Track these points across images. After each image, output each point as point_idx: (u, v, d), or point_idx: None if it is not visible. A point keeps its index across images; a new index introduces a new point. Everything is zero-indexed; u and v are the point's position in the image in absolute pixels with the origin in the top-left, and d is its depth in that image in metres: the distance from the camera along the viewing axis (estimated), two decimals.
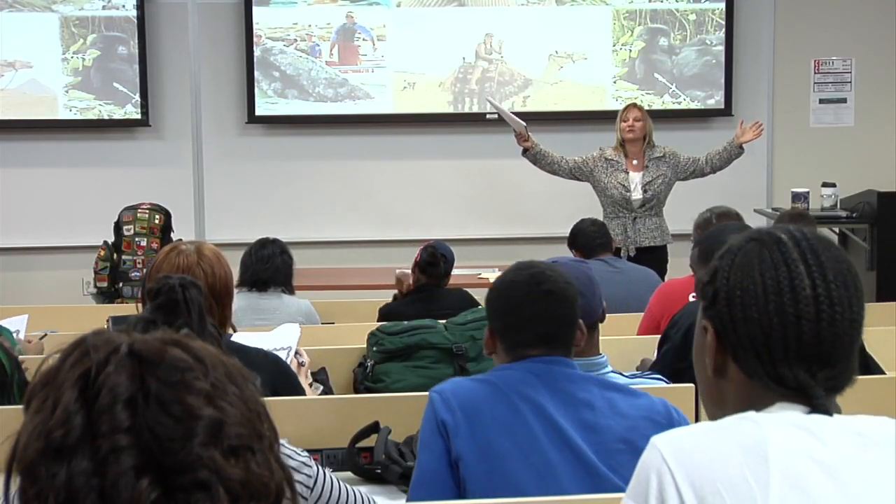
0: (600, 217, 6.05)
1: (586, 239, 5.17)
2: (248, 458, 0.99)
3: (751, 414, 1.36)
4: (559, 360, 2.30)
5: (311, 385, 3.53)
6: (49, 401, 0.98)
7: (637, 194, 6.20)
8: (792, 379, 1.39)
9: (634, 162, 6.24)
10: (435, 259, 4.71)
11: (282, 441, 1.99)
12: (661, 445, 1.34)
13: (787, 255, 1.42)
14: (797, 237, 1.44)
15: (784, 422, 1.35)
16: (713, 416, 1.47)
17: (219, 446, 0.97)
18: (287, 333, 3.61)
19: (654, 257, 6.06)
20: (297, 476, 1.98)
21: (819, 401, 1.38)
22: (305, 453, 2.04)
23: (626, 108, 6.32)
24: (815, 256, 1.41)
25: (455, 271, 4.99)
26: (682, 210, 7.40)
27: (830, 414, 1.38)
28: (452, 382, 2.35)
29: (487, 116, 7.55)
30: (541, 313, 2.30)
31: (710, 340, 1.45)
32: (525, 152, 6.40)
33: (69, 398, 0.97)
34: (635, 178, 6.22)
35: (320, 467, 2.05)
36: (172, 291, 2.26)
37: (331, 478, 2.05)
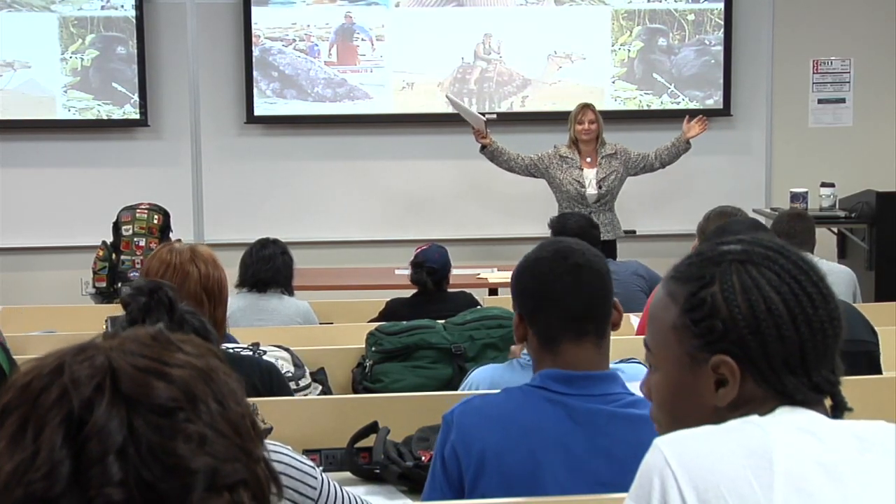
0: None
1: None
2: (242, 491, 0.95)
3: (754, 418, 1.36)
4: (584, 380, 2.15)
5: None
6: (28, 435, 0.91)
7: (592, 190, 6.46)
8: (825, 384, 1.39)
9: (588, 159, 6.51)
10: (421, 281, 4.71)
11: (286, 449, 2.00)
12: (665, 448, 1.33)
13: (784, 267, 1.41)
14: (773, 247, 1.44)
15: (787, 425, 1.35)
16: None
17: (215, 492, 0.93)
18: None
19: (605, 251, 6.10)
20: (301, 487, 1.98)
21: (840, 396, 1.39)
22: (310, 462, 2.03)
23: (581, 109, 6.52)
24: (800, 259, 1.42)
25: (455, 271, 4.99)
26: (682, 210, 7.42)
27: (850, 408, 1.39)
28: (470, 421, 2.15)
29: (486, 117, 7.54)
30: (571, 288, 2.16)
31: (732, 374, 1.39)
32: (483, 149, 6.62)
33: (53, 443, 0.90)
34: (589, 175, 6.48)
35: (325, 476, 2.04)
36: (139, 296, 2.21)
37: (335, 486, 2.05)
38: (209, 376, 0.98)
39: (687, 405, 1.43)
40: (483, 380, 2.79)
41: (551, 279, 2.18)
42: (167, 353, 0.98)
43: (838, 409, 1.41)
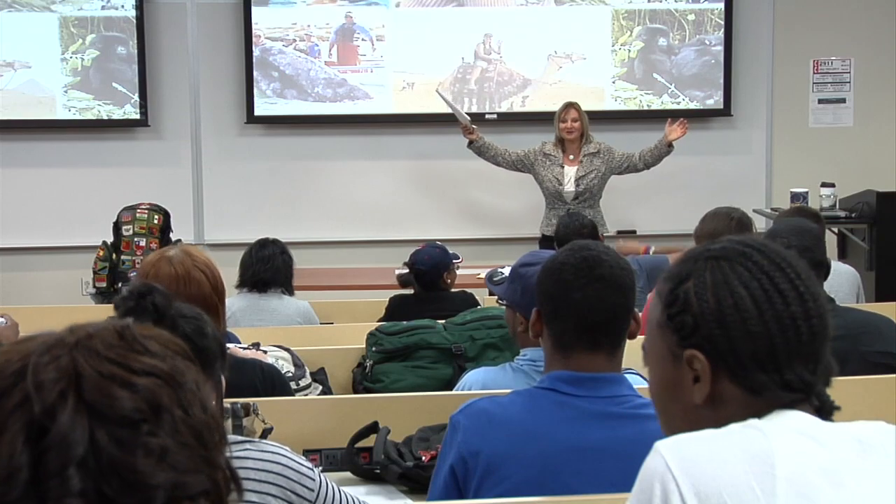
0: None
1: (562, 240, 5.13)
2: (202, 501, 0.93)
3: (754, 422, 1.35)
4: (592, 381, 2.15)
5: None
6: None
7: (570, 187, 6.62)
8: (798, 382, 1.38)
9: (571, 157, 6.67)
10: (408, 283, 4.76)
11: (284, 450, 1.99)
12: (666, 452, 1.32)
13: (759, 264, 1.41)
14: (754, 245, 1.44)
15: (788, 428, 1.34)
16: None
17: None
18: None
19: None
20: (298, 488, 1.97)
21: (825, 397, 1.38)
22: (308, 463, 2.03)
23: (565, 108, 6.72)
24: (782, 259, 1.42)
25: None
26: (682, 210, 7.42)
27: (838, 407, 1.38)
28: (478, 423, 2.15)
29: (487, 117, 7.55)
30: (590, 300, 2.13)
31: (703, 369, 1.41)
32: (470, 144, 6.82)
33: (13, 448, 0.88)
34: (570, 173, 6.65)
35: (323, 477, 2.04)
36: (128, 300, 2.17)
37: (333, 486, 2.04)
38: (175, 381, 0.95)
39: (673, 403, 1.45)
40: (475, 382, 2.80)
41: (574, 288, 2.15)
42: (133, 354, 0.95)
43: (823, 412, 1.40)
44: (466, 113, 7.63)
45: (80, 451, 0.88)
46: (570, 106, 6.72)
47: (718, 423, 1.41)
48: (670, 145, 6.65)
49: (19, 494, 0.87)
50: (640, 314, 2.21)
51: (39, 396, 0.89)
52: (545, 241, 6.53)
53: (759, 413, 1.38)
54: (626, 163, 6.71)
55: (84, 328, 0.97)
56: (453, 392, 3.10)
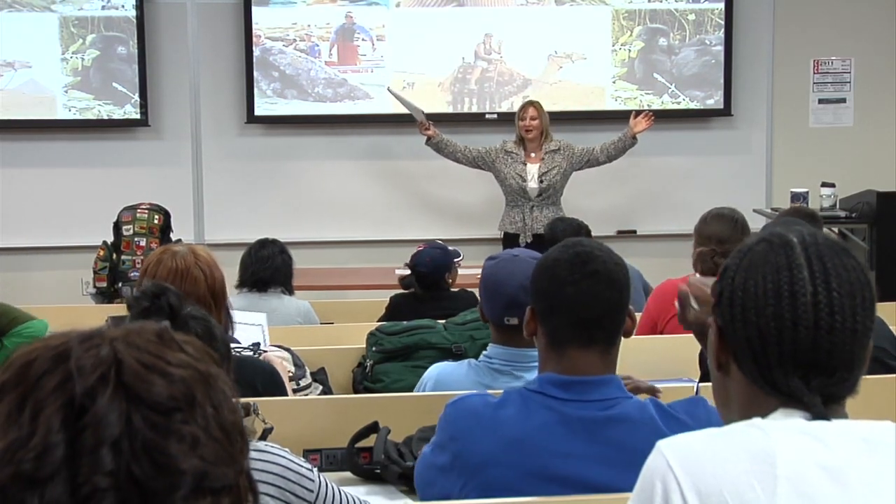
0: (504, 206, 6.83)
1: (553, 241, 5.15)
2: (224, 497, 0.96)
3: (757, 421, 1.35)
4: (581, 385, 2.13)
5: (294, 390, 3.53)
6: (25, 416, 0.92)
7: (533, 184, 6.71)
8: (784, 385, 1.38)
9: (532, 154, 6.78)
10: (409, 285, 4.75)
11: (284, 451, 1.99)
12: (667, 451, 1.32)
13: (793, 260, 1.40)
14: (807, 241, 1.42)
15: (790, 428, 1.34)
16: (721, 414, 1.48)
17: (199, 494, 0.94)
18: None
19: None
20: (297, 489, 1.98)
21: (815, 409, 1.36)
22: (308, 464, 2.03)
23: (524, 106, 6.85)
24: (820, 262, 1.39)
25: None
26: (682, 210, 7.42)
27: (829, 420, 1.37)
28: (472, 423, 2.15)
29: (487, 117, 7.56)
30: (584, 295, 2.12)
31: (713, 337, 1.45)
32: (428, 141, 6.93)
33: (50, 426, 0.91)
34: (532, 170, 6.74)
35: (322, 478, 2.04)
36: (142, 300, 2.17)
37: (332, 487, 2.04)
38: (208, 381, 0.99)
39: (711, 362, 1.50)
40: (430, 379, 2.85)
41: (567, 283, 2.14)
42: (170, 351, 0.99)
43: (818, 419, 1.38)
44: (465, 113, 7.65)
45: (116, 431, 0.91)
46: (529, 104, 6.83)
47: (729, 397, 1.45)
48: (634, 137, 6.74)
49: (53, 470, 0.90)
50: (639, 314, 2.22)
51: (81, 378, 0.93)
52: (508, 240, 6.65)
53: (760, 401, 1.39)
54: (587, 157, 6.81)
55: (122, 328, 1.01)
56: (453, 392, 3.10)
